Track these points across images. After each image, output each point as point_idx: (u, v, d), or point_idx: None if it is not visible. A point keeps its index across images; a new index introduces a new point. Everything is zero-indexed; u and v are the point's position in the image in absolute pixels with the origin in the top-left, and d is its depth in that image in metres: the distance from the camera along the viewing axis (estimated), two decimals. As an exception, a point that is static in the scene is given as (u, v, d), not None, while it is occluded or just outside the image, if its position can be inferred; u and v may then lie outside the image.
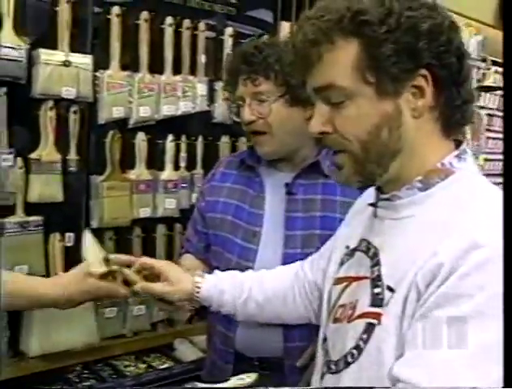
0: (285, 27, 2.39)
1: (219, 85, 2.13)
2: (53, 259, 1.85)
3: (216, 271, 1.37)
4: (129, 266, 1.32)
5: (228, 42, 2.18)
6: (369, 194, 1.05)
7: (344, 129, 0.90)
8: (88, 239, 1.34)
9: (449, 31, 0.88)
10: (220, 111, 2.15)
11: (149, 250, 2.06)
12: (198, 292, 1.28)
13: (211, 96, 2.14)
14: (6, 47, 1.67)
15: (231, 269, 1.47)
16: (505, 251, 0.79)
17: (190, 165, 2.14)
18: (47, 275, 1.82)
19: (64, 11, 1.79)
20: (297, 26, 0.92)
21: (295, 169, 1.51)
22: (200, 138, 2.15)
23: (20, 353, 1.80)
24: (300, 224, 1.47)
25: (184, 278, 1.29)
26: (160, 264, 1.32)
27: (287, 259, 1.45)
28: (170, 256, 2.09)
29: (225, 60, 1.80)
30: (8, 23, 1.69)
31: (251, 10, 2.32)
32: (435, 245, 0.84)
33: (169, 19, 2.01)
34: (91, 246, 1.33)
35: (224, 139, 2.21)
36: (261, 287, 1.32)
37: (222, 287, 1.30)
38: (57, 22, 1.79)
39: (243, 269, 1.45)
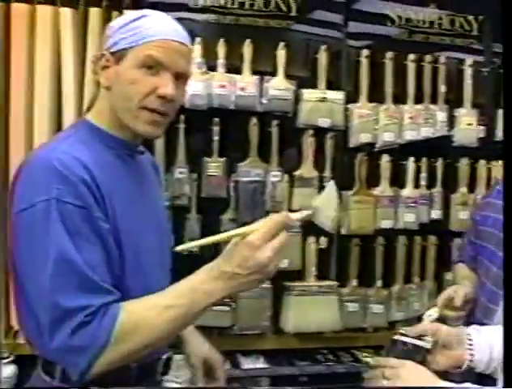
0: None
1: (458, 112, 2.33)
2: (308, 257, 2.25)
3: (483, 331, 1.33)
4: None
5: (468, 72, 2.36)
6: None
7: None
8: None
9: None
10: (460, 135, 2.33)
11: (390, 257, 2.34)
12: (471, 361, 1.27)
13: (450, 122, 2.33)
14: (278, 89, 2.17)
15: (490, 278, 1.65)
16: (506, 251, 0.87)
17: (430, 184, 2.35)
18: (303, 269, 2.25)
19: (322, 58, 2.22)
20: None
21: None
22: (440, 160, 2.35)
23: (280, 330, 2.24)
24: None
25: (456, 343, 1.27)
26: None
27: None
28: (409, 264, 2.36)
29: None
30: (281, 71, 2.18)
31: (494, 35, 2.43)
32: None
33: (411, 56, 2.29)
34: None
35: (464, 161, 2.37)
36: None
37: (493, 355, 1.25)
38: (316, 67, 2.23)
39: (501, 279, 1.58)
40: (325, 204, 1.41)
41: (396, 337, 1.22)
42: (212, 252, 2.08)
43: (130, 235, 1.18)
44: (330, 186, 1.39)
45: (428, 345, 1.19)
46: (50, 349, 1.08)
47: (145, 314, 1.09)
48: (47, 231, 1.07)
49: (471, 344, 1.27)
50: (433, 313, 1.32)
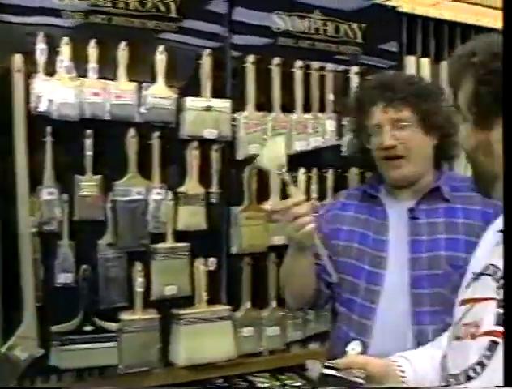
0: (411, 61, 2.48)
1: (347, 120, 2.26)
2: (198, 281, 2.05)
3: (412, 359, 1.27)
4: None
5: (354, 79, 2.31)
6: (498, 225, 1.12)
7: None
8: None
9: None
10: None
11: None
12: None
13: (339, 131, 2.26)
14: (159, 97, 1.96)
15: (359, 294, 1.61)
16: (506, 250, 0.85)
17: (321, 196, 2.26)
18: (192, 295, 2.05)
19: (206, 64, 2.04)
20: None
21: (415, 196, 1.62)
22: (330, 171, 2.27)
23: (170, 363, 2.03)
24: (425, 246, 1.57)
25: (387, 376, 1.22)
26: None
27: (414, 282, 1.55)
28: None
29: (356, 91, 1.89)
30: (160, 78, 1.97)
31: (377, 43, 2.43)
32: None
33: (299, 63, 2.19)
34: None
35: (353, 171, 2.31)
36: None
37: (425, 384, 1.23)
38: (200, 73, 2.04)
39: (371, 293, 1.58)
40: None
41: (326, 371, 1.14)
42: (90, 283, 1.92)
43: None
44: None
45: (360, 380, 1.11)
46: None
47: None
48: None
49: (404, 377, 1.20)
50: (356, 346, 1.22)
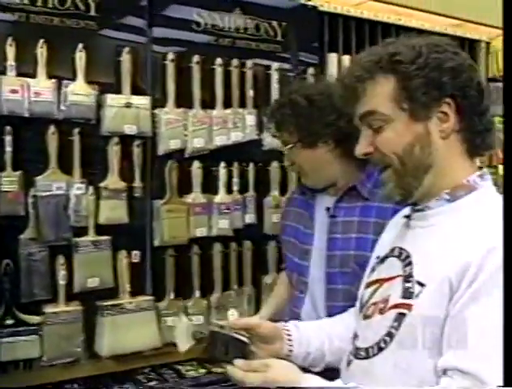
0: (333, 59, 2.57)
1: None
2: (120, 274, 2.11)
3: (300, 327, 1.37)
4: None
5: (274, 76, 2.39)
6: (403, 212, 1.24)
7: (384, 148, 1.10)
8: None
9: (469, 70, 1.09)
10: (269, 139, 2.31)
11: (206, 266, 2.28)
12: (289, 355, 1.30)
13: (260, 126, 2.33)
14: (79, 94, 1.99)
15: (294, 285, 1.73)
16: (506, 251, 0.93)
17: (243, 189, 2.34)
18: (116, 287, 2.10)
19: (126, 61, 2.09)
20: (346, 67, 1.17)
21: (337, 195, 1.69)
22: (251, 165, 2.35)
23: (95, 354, 2.07)
24: (340, 244, 1.64)
25: (275, 337, 1.30)
26: (253, 322, 1.31)
27: (329, 278, 1.64)
28: (226, 271, 2.32)
29: None
30: (80, 75, 2.01)
31: (298, 41, 2.50)
32: (463, 248, 1.00)
33: (219, 60, 2.26)
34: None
35: (275, 165, 2.39)
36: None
37: (309, 349, 1.32)
38: (120, 70, 2.09)
39: (301, 284, 1.69)
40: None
41: (216, 329, 1.19)
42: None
43: None
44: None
45: (246, 339, 1.18)
46: None
47: None
48: None
49: (290, 340, 1.30)
50: (234, 313, 1.33)
